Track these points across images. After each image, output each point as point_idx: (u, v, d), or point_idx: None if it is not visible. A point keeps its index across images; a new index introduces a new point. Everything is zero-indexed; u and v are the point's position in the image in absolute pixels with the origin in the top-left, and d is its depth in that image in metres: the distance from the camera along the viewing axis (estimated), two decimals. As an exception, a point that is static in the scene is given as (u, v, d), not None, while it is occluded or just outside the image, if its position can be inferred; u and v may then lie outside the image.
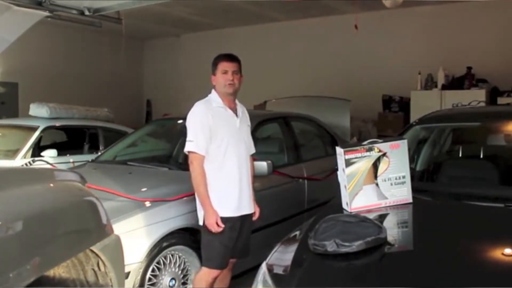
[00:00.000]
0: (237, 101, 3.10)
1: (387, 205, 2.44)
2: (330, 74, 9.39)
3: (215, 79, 3.01)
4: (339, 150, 2.45)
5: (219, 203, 2.92)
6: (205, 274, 2.96)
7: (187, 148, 2.93)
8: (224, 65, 2.98)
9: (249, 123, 3.17)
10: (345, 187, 2.42)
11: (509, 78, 7.48)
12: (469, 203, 2.46)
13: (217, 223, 2.87)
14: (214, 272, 2.96)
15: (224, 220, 2.90)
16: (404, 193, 2.46)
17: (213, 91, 3.04)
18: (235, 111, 3.04)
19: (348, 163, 2.40)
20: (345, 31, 8.44)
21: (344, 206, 2.47)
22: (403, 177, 2.46)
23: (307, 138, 5.32)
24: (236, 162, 2.96)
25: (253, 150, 3.20)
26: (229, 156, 2.94)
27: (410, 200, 2.47)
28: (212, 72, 3.04)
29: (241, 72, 3.04)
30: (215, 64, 3.02)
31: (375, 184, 2.43)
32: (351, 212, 2.37)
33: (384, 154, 2.44)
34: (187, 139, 2.93)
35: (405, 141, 2.51)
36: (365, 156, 2.42)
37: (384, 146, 2.44)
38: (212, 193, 2.92)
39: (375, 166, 2.43)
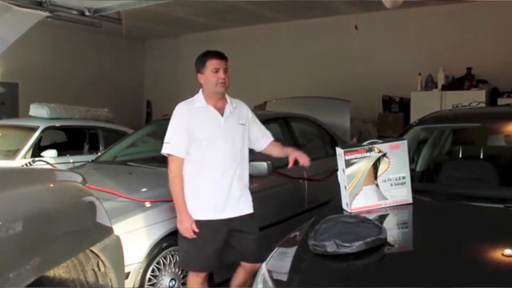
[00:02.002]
0: (229, 99, 2.94)
1: (387, 205, 2.44)
2: (330, 75, 9.39)
3: (203, 77, 2.85)
4: (339, 150, 2.45)
5: (196, 205, 2.81)
6: (192, 276, 2.92)
7: (163, 150, 2.84)
8: (214, 63, 2.82)
9: (243, 121, 2.96)
10: (345, 187, 2.42)
11: (509, 78, 7.48)
12: (469, 203, 2.46)
13: (192, 229, 2.77)
14: (199, 274, 2.89)
15: (200, 223, 2.79)
16: (404, 194, 2.46)
17: (200, 91, 2.92)
18: (221, 110, 2.87)
19: (348, 163, 2.40)
20: (345, 32, 8.42)
21: (344, 206, 2.46)
22: (403, 177, 2.46)
23: (307, 139, 5.32)
24: (218, 164, 2.81)
25: (261, 146, 3.08)
26: (209, 158, 2.80)
27: (410, 201, 2.47)
28: (197, 70, 2.88)
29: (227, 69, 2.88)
30: (202, 61, 2.85)
31: (375, 184, 2.43)
32: (351, 213, 2.37)
33: (384, 155, 2.44)
34: (164, 140, 2.84)
35: (405, 141, 2.51)
36: (365, 157, 2.42)
37: (384, 147, 2.44)
38: (190, 195, 2.82)
39: (375, 166, 2.43)
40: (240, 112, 2.97)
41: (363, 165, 2.41)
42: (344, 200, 2.46)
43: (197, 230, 2.78)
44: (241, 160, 2.91)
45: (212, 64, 2.83)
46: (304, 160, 2.98)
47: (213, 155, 2.81)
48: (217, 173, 2.82)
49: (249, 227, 2.93)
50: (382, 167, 2.43)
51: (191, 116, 2.82)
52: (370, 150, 2.43)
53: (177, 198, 2.81)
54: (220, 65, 2.83)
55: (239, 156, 2.90)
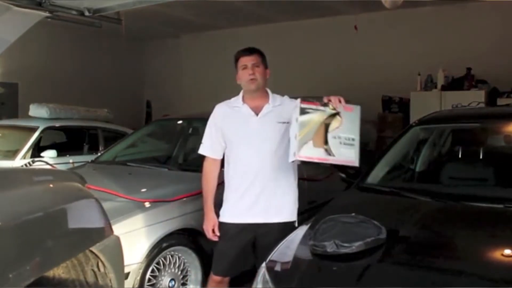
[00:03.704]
0: (273, 97, 2.77)
1: (333, 162, 2.45)
2: (329, 75, 9.39)
3: (238, 77, 2.75)
4: (296, 101, 2.48)
5: (225, 207, 2.75)
6: (210, 276, 2.85)
7: (199, 151, 2.85)
8: (242, 60, 2.72)
9: (285, 119, 2.65)
10: (295, 136, 2.40)
11: (508, 79, 7.48)
12: (469, 204, 2.46)
13: (213, 230, 2.73)
14: (213, 276, 2.80)
15: (224, 225, 2.72)
16: (351, 155, 2.45)
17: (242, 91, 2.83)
18: (258, 109, 2.70)
19: (303, 112, 2.41)
20: (344, 32, 8.45)
21: (291, 157, 2.44)
22: (353, 139, 2.45)
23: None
24: (247, 166, 2.67)
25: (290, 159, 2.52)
26: (239, 159, 2.70)
27: (357, 164, 2.46)
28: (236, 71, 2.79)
29: (265, 64, 2.78)
30: (235, 61, 2.77)
31: (324, 139, 2.42)
32: (299, 162, 2.40)
33: (338, 114, 2.45)
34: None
35: (359, 107, 2.50)
36: (319, 110, 2.44)
37: (339, 106, 2.46)
38: (224, 196, 2.76)
39: (327, 123, 2.44)
40: (283, 109, 2.71)
41: (316, 116, 2.42)
42: (292, 150, 2.43)
43: (218, 234, 2.73)
44: (277, 163, 2.66)
45: (241, 62, 2.74)
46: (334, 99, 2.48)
47: (242, 156, 2.70)
48: (246, 176, 2.68)
49: (273, 236, 2.57)
50: (334, 124, 2.44)
51: (225, 117, 2.75)
52: (325, 105, 2.46)
53: (204, 197, 2.80)
54: (247, 61, 2.71)
55: (275, 158, 2.66)
